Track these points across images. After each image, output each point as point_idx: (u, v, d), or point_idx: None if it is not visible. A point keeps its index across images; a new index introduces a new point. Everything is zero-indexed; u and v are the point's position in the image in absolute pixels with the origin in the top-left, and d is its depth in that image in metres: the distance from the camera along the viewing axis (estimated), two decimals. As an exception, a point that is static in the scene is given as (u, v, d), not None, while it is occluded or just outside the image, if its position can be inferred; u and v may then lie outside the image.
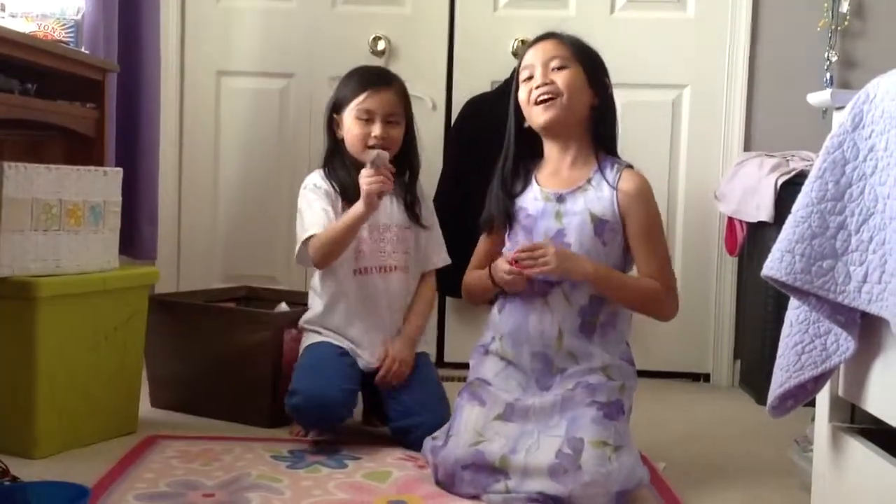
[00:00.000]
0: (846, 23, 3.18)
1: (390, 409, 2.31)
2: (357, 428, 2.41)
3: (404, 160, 2.42)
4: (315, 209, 2.32)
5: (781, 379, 1.58)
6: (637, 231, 2.07)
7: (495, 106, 3.15)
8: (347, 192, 2.34)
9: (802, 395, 1.60)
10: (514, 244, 2.12)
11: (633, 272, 2.14)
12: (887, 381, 1.45)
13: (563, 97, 2.06)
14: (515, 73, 2.18)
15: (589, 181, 2.09)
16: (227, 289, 2.97)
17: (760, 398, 2.88)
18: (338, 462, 2.13)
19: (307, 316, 2.41)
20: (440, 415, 2.22)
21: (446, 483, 1.94)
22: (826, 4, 3.17)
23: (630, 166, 2.12)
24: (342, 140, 2.39)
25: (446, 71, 3.33)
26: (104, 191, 2.30)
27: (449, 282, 3.19)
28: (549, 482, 1.84)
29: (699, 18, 3.27)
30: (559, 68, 2.08)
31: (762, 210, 2.84)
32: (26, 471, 1.92)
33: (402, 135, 2.40)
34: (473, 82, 3.28)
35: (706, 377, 3.35)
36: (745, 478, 2.16)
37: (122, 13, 2.92)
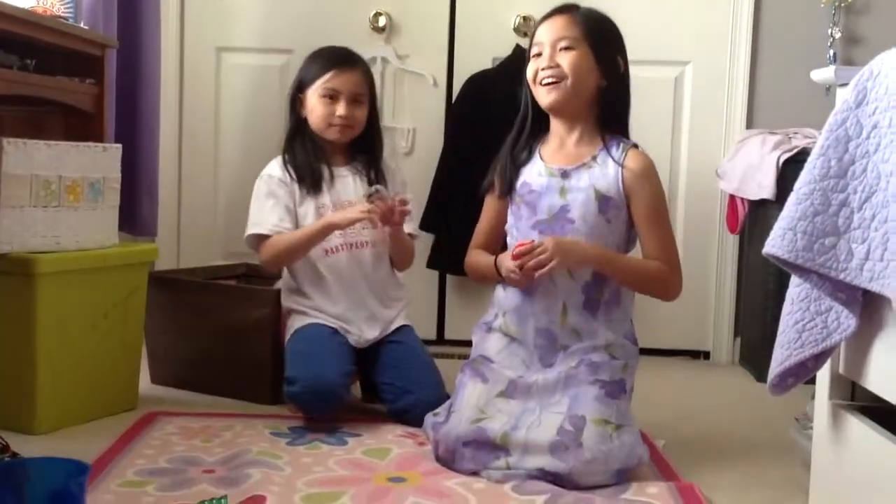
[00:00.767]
0: (850, -1, 3.16)
1: (383, 391, 2.32)
2: (356, 404, 2.41)
3: (367, 139, 2.44)
4: (268, 204, 2.34)
5: (782, 356, 1.58)
6: (642, 211, 2.06)
7: (496, 83, 3.15)
8: (305, 179, 2.36)
9: (803, 372, 1.60)
10: (516, 219, 2.12)
11: (637, 251, 2.13)
12: (888, 358, 1.45)
13: (567, 80, 2.04)
14: (529, 46, 2.15)
15: (594, 158, 2.08)
16: (227, 266, 2.97)
17: (761, 376, 2.88)
18: (338, 439, 2.13)
19: (288, 297, 2.41)
20: (434, 389, 2.23)
21: (447, 459, 1.95)
22: (830, -20, 3.15)
23: (636, 146, 2.11)
24: (305, 120, 2.41)
25: (447, 47, 3.31)
26: (104, 167, 2.30)
27: (449, 259, 3.20)
28: (550, 459, 1.85)
29: (702, -6, 3.25)
30: (566, 48, 2.05)
31: (764, 188, 2.83)
32: (26, 447, 1.92)
33: (366, 115, 2.42)
34: (475, 59, 3.26)
35: (706, 355, 3.35)
36: (744, 455, 2.16)
37: (122, -12, 2.91)
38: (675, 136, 3.29)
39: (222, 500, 1.68)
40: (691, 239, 3.29)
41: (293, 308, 2.39)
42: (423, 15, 3.31)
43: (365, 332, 2.36)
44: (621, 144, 2.08)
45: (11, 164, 2.07)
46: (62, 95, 2.50)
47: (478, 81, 3.22)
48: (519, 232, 2.11)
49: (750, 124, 3.23)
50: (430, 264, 3.25)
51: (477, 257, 2.21)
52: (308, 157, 2.38)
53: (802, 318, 1.55)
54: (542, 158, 2.12)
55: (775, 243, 1.48)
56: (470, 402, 1.99)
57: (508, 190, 2.14)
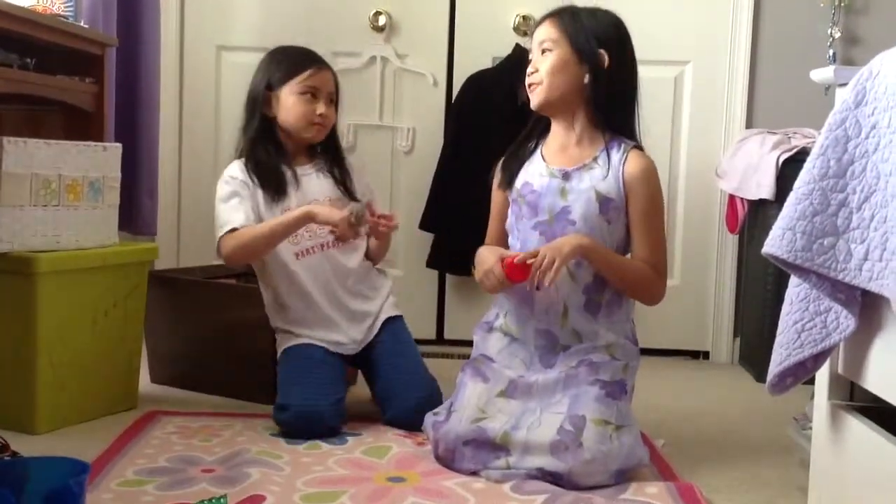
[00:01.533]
0: (849, -1, 3.16)
1: (378, 396, 2.32)
2: (357, 404, 2.41)
3: (330, 138, 2.42)
4: (231, 204, 2.28)
5: (781, 357, 1.58)
6: (637, 212, 2.06)
7: (496, 82, 3.15)
8: (270, 185, 2.31)
9: (802, 372, 1.60)
10: (517, 218, 2.11)
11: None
12: (887, 359, 1.45)
13: (543, 83, 2.05)
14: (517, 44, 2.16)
15: (595, 159, 2.07)
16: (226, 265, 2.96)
17: (760, 376, 2.88)
18: (337, 438, 2.14)
19: (272, 315, 2.37)
20: (421, 392, 2.23)
21: (447, 459, 1.95)
22: (829, -20, 3.15)
23: (638, 147, 2.10)
24: (273, 119, 2.36)
25: (447, 46, 3.31)
26: (103, 166, 2.30)
27: (449, 259, 3.21)
28: (550, 458, 1.85)
29: (702, -6, 3.26)
30: (545, 51, 2.07)
31: (763, 188, 2.83)
32: (26, 446, 1.92)
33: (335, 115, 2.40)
34: (475, 58, 3.27)
35: (706, 354, 3.35)
36: (743, 455, 2.16)
37: (121, -13, 2.91)
38: (674, 136, 3.29)
39: (222, 500, 1.68)
40: (691, 238, 3.30)
41: (279, 327, 2.35)
42: (422, 14, 3.31)
43: (352, 334, 2.34)
44: (622, 145, 2.08)
45: (11, 163, 2.07)
46: (62, 94, 2.50)
47: (478, 81, 3.22)
48: (520, 232, 2.11)
49: (749, 124, 3.24)
50: (430, 264, 3.25)
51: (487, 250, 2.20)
52: (271, 161, 2.33)
53: (801, 318, 1.55)
54: (543, 158, 2.12)
55: (774, 243, 1.48)
56: (470, 402, 1.99)
57: (508, 183, 2.14)
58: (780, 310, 1.62)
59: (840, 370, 1.61)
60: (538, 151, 2.14)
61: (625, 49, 2.09)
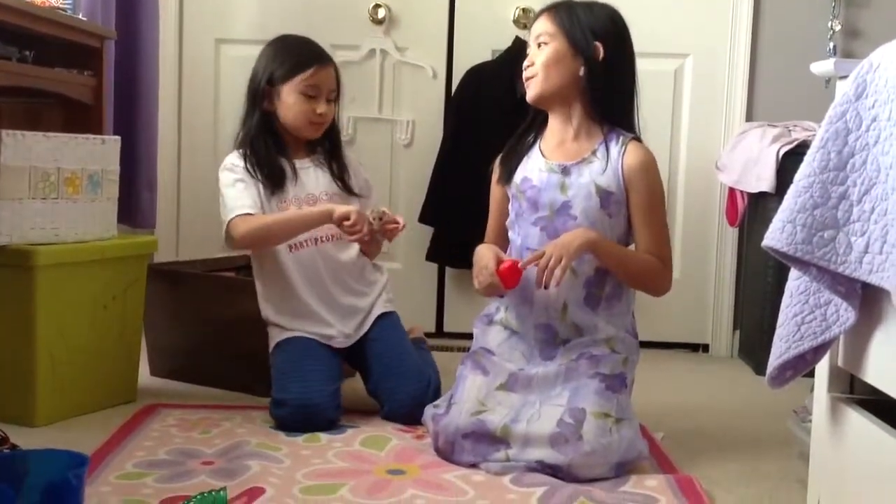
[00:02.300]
0: (850, -8, 3.16)
1: (372, 392, 2.31)
2: (355, 395, 2.40)
3: (330, 132, 2.40)
4: (238, 188, 2.27)
5: (781, 349, 1.58)
6: (638, 205, 2.05)
7: (496, 75, 3.15)
8: (268, 178, 2.30)
9: (802, 365, 1.59)
10: (517, 214, 2.11)
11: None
12: (887, 351, 1.44)
13: (538, 76, 2.06)
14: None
15: (594, 153, 2.06)
16: (226, 258, 2.96)
17: (759, 369, 2.88)
18: (337, 430, 2.14)
19: (263, 306, 2.35)
20: (420, 384, 2.23)
21: (446, 451, 1.95)
22: (830, -27, 3.15)
23: (637, 139, 2.10)
24: (272, 114, 2.34)
25: (447, 39, 3.31)
26: (102, 159, 2.29)
27: (449, 252, 3.20)
28: (550, 451, 1.85)
29: (702, -13, 3.25)
30: (541, 45, 2.07)
31: (763, 181, 2.83)
32: (26, 439, 1.92)
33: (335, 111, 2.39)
34: (474, 51, 3.26)
35: (705, 347, 3.36)
36: (743, 448, 2.16)
37: (120, -20, 2.91)
38: (674, 129, 3.29)
39: (221, 492, 1.68)
40: (691, 232, 3.30)
41: (270, 319, 2.34)
42: (422, 7, 3.30)
43: (341, 328, 2.33)
44: (621, 138, 2.07)
45: (10, 156, 2.07)
46: (61, 87, 2.50)
47: (477, 73, 3.21)
48: (521, 228, 2.10)
49: (750, 117, 3.23)
50: (430, 257, 3.25)
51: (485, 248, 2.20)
52: (270, 154, 2.31)
53: (801, 310, 1.54)
54: (542, 153, 2.11)
55: (774, 236, 1.48)
56: (470, 395, 1.99)
57: (507, 178, 2.14)
58: (779, 303, 1.61)
59: (840, 363, 1.61)
60: (536, 146, 2.13)
61: (621, 41, 2.08)
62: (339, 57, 3.25)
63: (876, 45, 1.48)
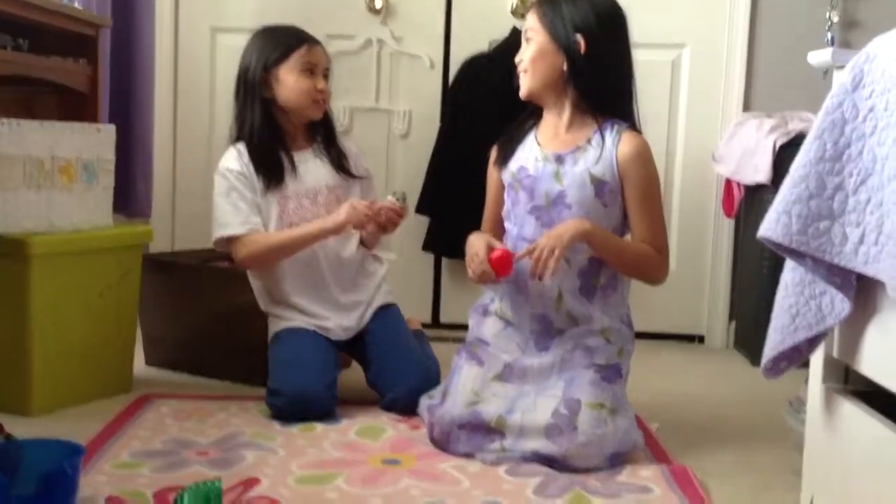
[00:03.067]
0: (848, -18, 3.15)
1: (371, 382, 2.31)
2: (351, 386, 2.40)
3: (325, 116, 2.40)
4: (231, 199, 2.26)
5: (776, 340, 1.58)
6: (634, 193, 2.05)
7: (493, 65, 3.14)
8: (268, 171, 2.29)
9: (796, 356, 1.59)
10: (514, 203, 2.10)
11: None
12: (882, 342, 1.44)
13: (528, 73, 2.07)
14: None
15: (588, 141, 2.06)
16: (222, 248, 2.95)
17: (755, 360, 2.88)
18: (332, 420, 2.13)
19: (259, 296, 2.36)
20: (414, 378, 2.23)
21: (442, 442, 1.95)
22: (828, -36, 3.14)
23: (633, 127, 2.09)
24: (273, 102, 2.33)
25: (444, 29, 3.30)
26: (97, 148, 2.29)
27: (445, 242, 3.20)
28: (545, 441, 1.85)
29: (699, -23, 3.24)
30: (528, 40, 2.08)
31: (760, 172, 2.83)
32: (21, 428, 1.91)
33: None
34: (472, 41, 3.25)
35: (701, 338, 3.36)
36: (738, 438, 2.17)
37: (115, -32, 2.89)
38: (671, 120, 3.29)
39: (216, 483, 1.68)
40: (687, 223, 3.29)
41: (269, 311, 2.34)
42: (419, -4, 3.29)
43: (342, 321, 2.33)
44: (615, 126, 2.06)
45: (4, 145, 2.06)
46: (56, 75, 2.49)
47: (474, 64, 3.21)
48: (517, 217, 2.10)
49: (747, 107, 3.23)
50: (426, 247, 3.25)
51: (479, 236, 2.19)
52: (270, 147, 2.30)
53: (797, 301, 1.54)
54: (538, 143, 2.11)
55: (770, 227, 1.48)
56: (465, 386, 1.99)
57: (503, 161, 2.13)
58: (775, 294, 1.61)
59: (835, 354, 1.61)
60: (533, 135, 2.13)
61: (608, 32, 2.05)
62: (335, 46, 3.27)
63: (874, 35, 1.48)
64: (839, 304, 1.48)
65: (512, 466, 1.84)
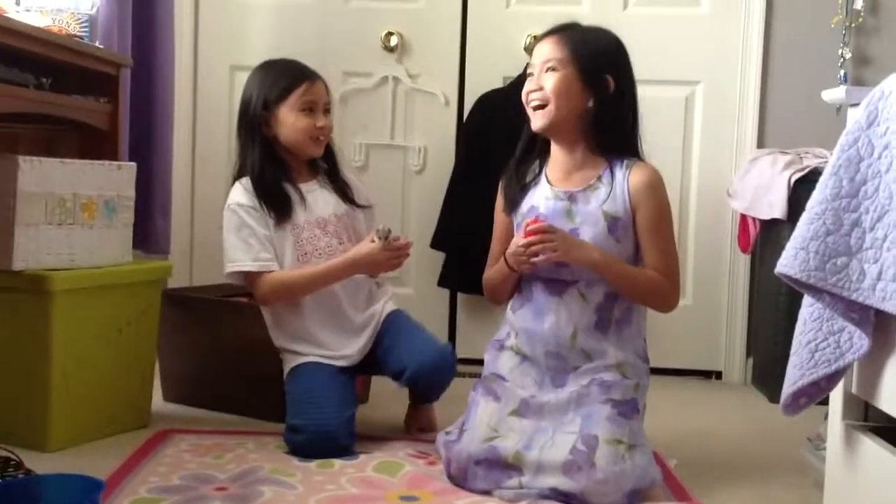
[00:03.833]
0: (860, 19, 3.16)
1: (393, 368, 2.30)
2: (369, 423, 2.40)
3: (327, 149, 2.42)
4: (242, 236, 2.29)
5: (794, 377, 1.58)
6: (645, 222, 2.06)
7: (508, 101, 3.15)
8: (277, 206, 2.30)
9: (816, 392, 1.59)
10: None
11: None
12: (901, 379, 1.44)
13: (550, 105, 2.04)
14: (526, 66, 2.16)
15: (599, 178, 2.07)
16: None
17: (773, 396, 2.87)
18: (350, 456, 2.13)
19: (273, 334, 2.36)
20: (439, 348, 2.28)
21: (459, 478, 1.95)
22: (840, 1, 3.16)
23: (641, 160, 2.10)
24: (274, 139, 2.34)
25: (459, 66, 3.33)
26: (118, 185, 2.31)
27: (460, 277, 3.21)
28: (563, 478, 1.84)
29: (713, 14, 3.27)
30: (551, 69, 2.05)
31: (775, 207, 2.83)
32: (40, 464, 1.92)
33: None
34: (486, 78, 3.28)
35: (718, 375, 3.34)
36: (757, 475, 2.15)
37: (136, 8, 2.93)
38: (685, 156, 3.30)
39: (234, 518, 1.68)
40: (703, 258, 3.29)
41: (283, 346, 2.35)
42: (434, 34, 3.33)
43: (359, 343, 2.33)
44: (625, 162, 2.07)
45: (27, 182, 2.08)
46: (77, 114, 2.52)
47: (489, 100, 3.23)
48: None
49: (761, 143, 3.24)
50: (441, 282, 3.26)
51: (490, 271, 2.20)
52: (276, 182, 2.32)
53: (815, 338, 1.54)
54: (548, 181, 2.12)
55: (787, 263, 1.48)
56: (482, 421, 1.99)
57: (512, 208, 2.14)
58: (792, 330, 1.62)
59: (854, 390, 1.61)
60: (543, 174, 2.13)
61: (627, 71, 2.08)
62: (351, 84, 3.31)
63: (886, 72, 1.49)
64: (858, 341, 1.49)
65: (530, 503, 1.83)
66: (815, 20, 3.19)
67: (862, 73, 3.19)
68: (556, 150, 2.12)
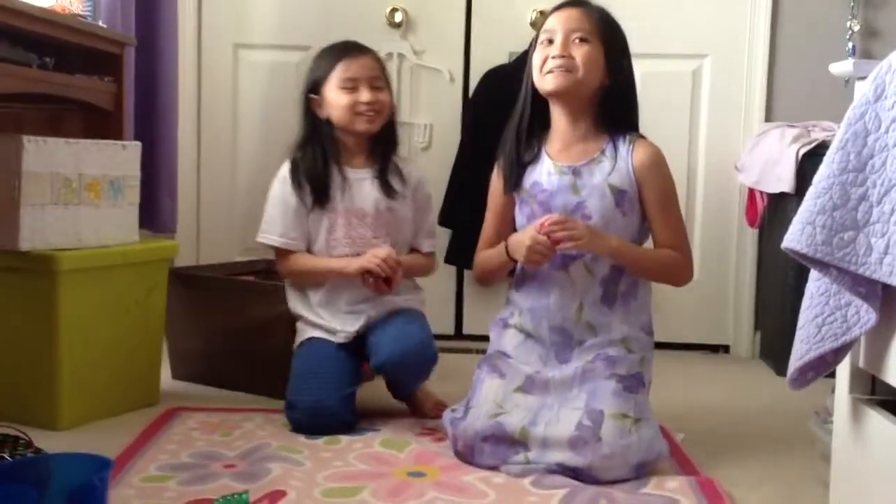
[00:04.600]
0: (869, -8, 3.14)
1: (370, 353, 2.26)
2: (375, 399, 2.41)
3: (384, 134, 2.36)
4: (280, 210, 2.31)
5: (801, 351, 1.57)
6: (653, 200, 2.07)
7: (513, 77, 3.12)
8: (313, 190, 2.29)
9: (822, 366, 1.59)
10: (527, 220, 2.11)
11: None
12: (908, 352, 1.44)
13: (578, 72, 2.02)
14: (535, 36, 2.15)
15: (602, 152, 2.07)
16: (246, 262, 2.98)
17: (781, 370, 2.87)
18: (356, 433, 2.14)
19: (292, 298, 2.37)
20: (415, 340, 2.21)
21: (465, 454, 1.95)
22: (848, -27, 3.13)
23: (642, 137, 2.10)
24: (327, 120, 2.32)
25: (464, 42, 3.31)
26: (123, 164, 2.31)
27: (467, 255, 3.20)
28: (569, 454, 1.85)
29: (720, -13, 3.24)
30: (582, 40, 2.04)
31: (783, 181, 2.82)
32: (49, 443, 1.94)
33: (390, 100, 2.35)
34: (491, 54, 3.26)
35: (726, 349, 3.34)
36: (764, 449, 2.16)
37: (139, -13, 2.93)
38: (693, 130, 3.28)
39: (243, 495, 1.69)
40: (710, 232, 3.29)
41: (298, 314, 2.35)
42: (439, 10, 3.31)
43: (370, 311, 2.29)
44: (627, 137, 2.08)
45: (32, 162, 2.09)
46: (81, 93, 2.51)
47: (494, 76, 3.21)
48: (533, 232, 2.10)
49: (769, 117, 3.22)
50: (448, 259, 3.25)
51: (484, 253, 2.20)
52: (318, 165, 2.30)
53: (822, 312, 1.54)
54: (549, 156, 2.11)
55: (794, 237, 1.48)
56: (488, 398, 1.99)
57: (515, 186, 2.14)
58: (800, 304, 1.61)
59: (861, 364, 1.60)
60: (543, 151, 2.12)
61: (629, 55, 2.11)
62: (356, 61, 3.28)
63: (895, 45, 1.48)
64: (865, 315, 1.48)
65: (537, 478, 1.84)
66: (823, -8, 3.17)
67: (870, 46, 3.17)
68: (559, 120, 2.11)
